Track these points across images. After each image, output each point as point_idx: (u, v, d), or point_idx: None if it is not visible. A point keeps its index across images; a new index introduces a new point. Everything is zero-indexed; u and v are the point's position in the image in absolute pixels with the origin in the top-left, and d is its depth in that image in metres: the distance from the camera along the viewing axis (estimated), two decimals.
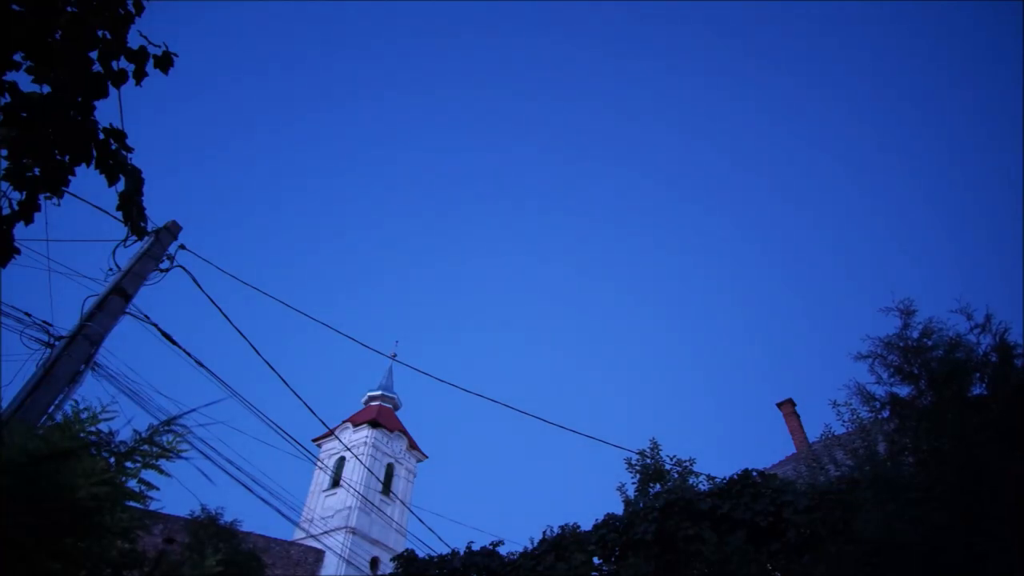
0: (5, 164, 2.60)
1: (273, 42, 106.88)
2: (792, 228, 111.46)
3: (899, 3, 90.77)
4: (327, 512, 29.99)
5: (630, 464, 12.72)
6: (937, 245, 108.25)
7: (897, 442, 6.51)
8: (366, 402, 37.70)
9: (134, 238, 6.95)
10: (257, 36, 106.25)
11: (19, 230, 2.66)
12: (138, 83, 2.95)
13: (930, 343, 6.42)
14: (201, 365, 7.62)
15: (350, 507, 29.25)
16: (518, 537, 33.08)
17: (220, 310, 8.19)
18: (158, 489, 4.59)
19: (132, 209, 3.02)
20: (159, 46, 3.02)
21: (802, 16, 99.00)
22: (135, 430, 4.35)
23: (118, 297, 6.74)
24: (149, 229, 7.08)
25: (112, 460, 4.24)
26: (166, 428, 4.44)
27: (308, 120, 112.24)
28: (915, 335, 6.60)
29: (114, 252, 7.10)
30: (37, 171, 2.66)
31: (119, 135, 2.88)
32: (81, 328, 6.23)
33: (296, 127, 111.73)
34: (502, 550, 11.38)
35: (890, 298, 7.52)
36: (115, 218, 7.52)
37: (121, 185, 2.95)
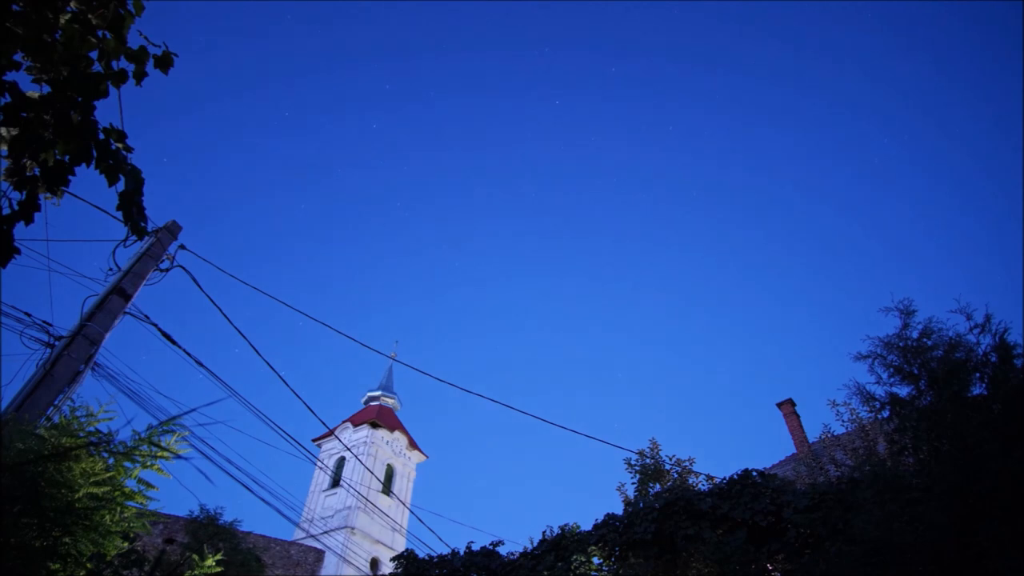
0: (5, 164, 2.60)
1: (274, 41, 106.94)
2: (792, 228, 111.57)
3: (900, 3, 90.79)
4: (327, 512, 30.00)
5: (630, 464, 12.72)
6: (937, 245, 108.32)
7: (897, 442, 6.51)
8: (366, 402, 37.72)
9: (134, 238, 6.94)
10: (258, 35, 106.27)
11: (19, 230, 2.65)
12: (138, 83, 2.95)
13: (930, 343, 6.43)
14: (201, 365, 7.62)
15: (350, 507, 29.25)
16: (518, 537, 33.16)
17: (220, 310, 8.20)
18: (157, 489, 4.59)
19: (132, 209, 3.01)
20: (159, 46, 3.02)
21: (803, 16, 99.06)
22: (135, 430, 4.36)
23: (118, 297, 6.74)
24: (149, 229, 7.07)
25: (111, 460, 4.24)
26: (165, 428, 4.45)
27: (309, 119, 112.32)
28: (915, 335, 6.60)
29: (114, 252, 7.10)
30: (37, 171, 2.66)
31: (119, 135, 2.87)
32: (81, 328, 6.23)
33: (297, 126, 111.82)
34: (502, 550, 11.39)
35: (890, 298, 7.53)
36: (115, 218, 7.54)
37: (121, 185, 2.95)
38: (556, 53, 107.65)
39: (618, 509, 11.57)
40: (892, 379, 6.56)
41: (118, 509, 4.23)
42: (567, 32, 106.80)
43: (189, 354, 7.48)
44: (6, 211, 2.62)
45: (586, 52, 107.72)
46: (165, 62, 3.04)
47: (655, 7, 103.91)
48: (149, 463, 4.49)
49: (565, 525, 12.13)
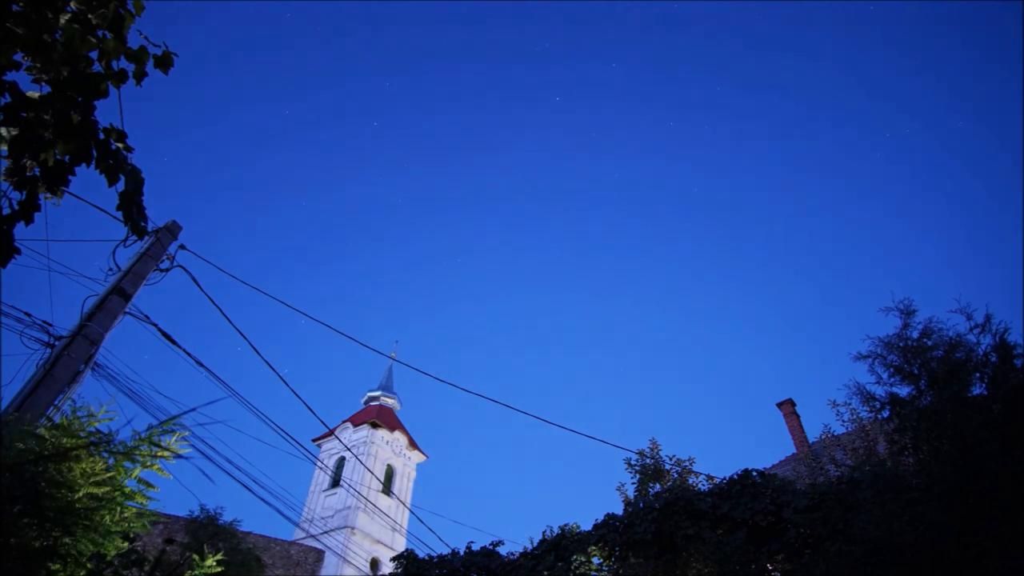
0: (5, 164, 2.60)
1: (276, 41, 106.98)
2: (793, 228, 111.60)
3: (901, 3, 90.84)
4: (327, 512, 30.01)
5: (630, 464, 12.72)
6: (937, 245, 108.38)
7: (897, 442, 6.51)
8: (366, 402, 37.74)
9: (134, 238, 6.95)
10: (257, 34, 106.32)
11: (19, 230, 2.65)
12: (138, 83, 2.95)
13: (930, 343, 6.43)
14: (201, 365, 7.62)
15: (350, 507, 29.27)
16: (518, 537, 33.18)
17: (220, 310, 8.20)
18: (157, 489, 4.60)
19: (132, 209, 3.01)
20: (159, 46, 3.02)
21: (803, 17, 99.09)
22: (135, 430, 4.36)
23: (118, 297, 6.74)
24: (149, 229, 7.07)
25: (112, 460, 4.24)
26: (165, 428, 4.45)
27: (310, 119, 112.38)
28: (915, 335, 6.61)
29: (114, 252, 7.10)
30: (37, 171, 2.66)
31: (119, 135, 2.88)
32: (81, 328, 6.23)
33: (298, 126, 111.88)
34: (502, 550, 11.40)
35: (890, 298, 7.54)
36: (115, 218, 7.55)
37: (121, 185, 2.95)
38: (556, 65, 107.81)
39: (618, 509, 11.58)
40: (892, 379, 6.57)
41: (118, 509, 4.23)
42: (568, 45, 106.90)
43: (189, 354, 7.49)
44: (6, 211, 2.62)
45: (585, 65, 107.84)
46: (165, 62, 3.04)
47: (652, 19, 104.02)
48: (149, 463, 4.49)
49: (565, 525, 12.14)
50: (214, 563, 5.66)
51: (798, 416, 19.61)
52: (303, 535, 26.77)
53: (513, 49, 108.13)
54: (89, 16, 2.72)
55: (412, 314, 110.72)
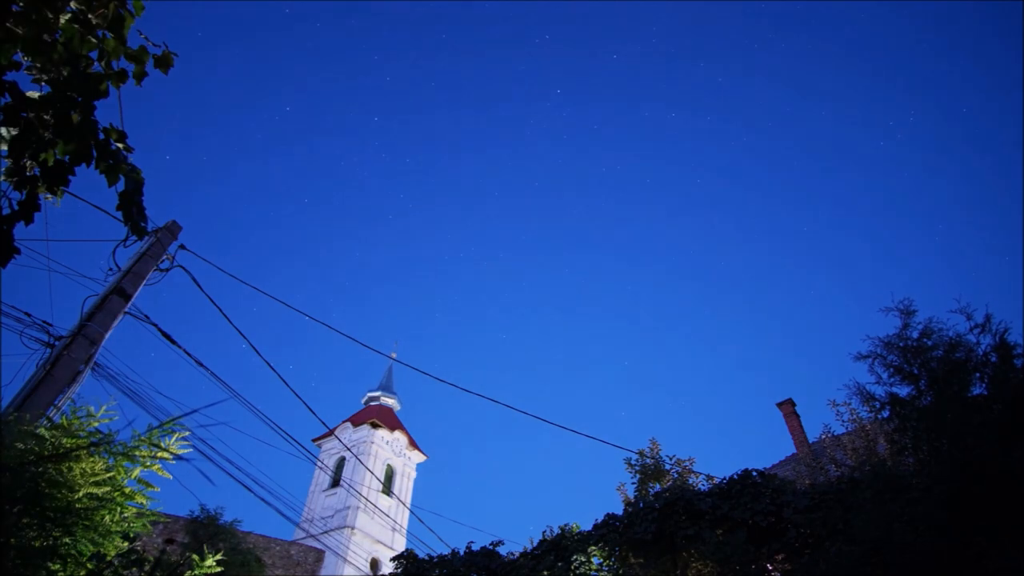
0: (5, 164, 2.60)
1: (276, 39, 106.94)
2: (793, 228, 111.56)
3: (899, 3, 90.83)
4: (327, 512, 30.00)
5: (630, 464, 12.72)
6: (937, 245, 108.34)
7: (897, 442, 6.51)
8: (366, 402, 37.73)
9: (134, 238, 6.94)
10: (256, 33, 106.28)
11: (19, 230, 2.65)
12: (138, 83, 2.94)
13: (930, 343, 6.43)
14: (201, 365, 7.61)
15: (350, 507, 29.25)
16: (518, 537, 33.19)
17: (220, 310, 8.19)
18: (157, 489, 4.60)
19: (132, 209, 3.01)
20: (159, 46, 3.02)
21: (801, 16, 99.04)
22: (135, 430, 4.36)
23: (118, 297, 6.73)
24: (149, 229, 7.06)
25: (112, 460, 4.24)
26: (165, 429, 4.45)
27: (310, 118, 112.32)
28: (915, 335, 6.60)
29: (114, 252, 7.09)
30: (37, 171, 2.66)
31: (119, 135, 2.87)
32: (81, 328, 6.22)
33: (297, 126, 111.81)
34: (502, 550, 11.39)
35: (890, 298, 7.55)
36: (115, 218, 7.54)
37: (121, 185, 2.95)
38: (552, 49, 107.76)
39: (618, 509, 11.58)
40: (892, 379, 6.57)
41: (118, 509, 4.23)
42: (565, 33, 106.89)
43: (189, 354, 7.48)
44: (6, 211, 2.61)
45: (583, 50, 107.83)
46: (165, 62, 3.04)
47: (656, 11, 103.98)
48: (149, 463, 4.49)
49: (565, 525, 12.16)
50: (214, 563, 5.65)
51: (798, 416, 19.59)
52: (303, 535, 26.76)
53: (513, 42, 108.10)
54: (89, 16, 2.71)
55: (412, 314, 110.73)
